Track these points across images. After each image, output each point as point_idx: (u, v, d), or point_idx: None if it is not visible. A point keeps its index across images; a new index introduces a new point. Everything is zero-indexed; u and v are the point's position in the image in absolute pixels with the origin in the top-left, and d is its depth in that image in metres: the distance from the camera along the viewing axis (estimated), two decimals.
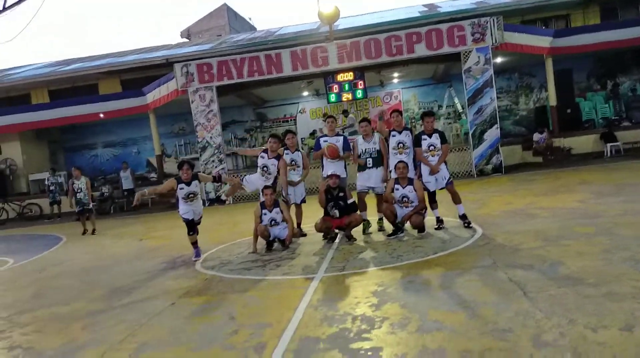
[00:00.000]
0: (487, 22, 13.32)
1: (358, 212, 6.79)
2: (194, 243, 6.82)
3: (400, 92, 18.01)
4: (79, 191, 10.82)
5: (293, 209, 7.32)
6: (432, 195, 6.86)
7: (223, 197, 13.65)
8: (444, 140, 6.82)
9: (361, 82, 14.15)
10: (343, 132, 13.54)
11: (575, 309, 3.35)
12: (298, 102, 18.47)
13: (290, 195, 7.22)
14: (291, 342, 3.39)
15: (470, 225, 6.57)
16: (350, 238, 6.65)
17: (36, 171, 17.86)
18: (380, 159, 7.00)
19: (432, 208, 6.88)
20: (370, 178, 7.03)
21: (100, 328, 4.22)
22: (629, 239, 4.97)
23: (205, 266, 6.19)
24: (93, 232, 10.88)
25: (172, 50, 19.89)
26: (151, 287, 5.48)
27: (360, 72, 14.13)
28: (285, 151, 7.34)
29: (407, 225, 6.71)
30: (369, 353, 3.08)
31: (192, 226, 6.75)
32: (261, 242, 6.72)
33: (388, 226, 6.83)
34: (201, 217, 6.97)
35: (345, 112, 16.42)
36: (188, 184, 6.57)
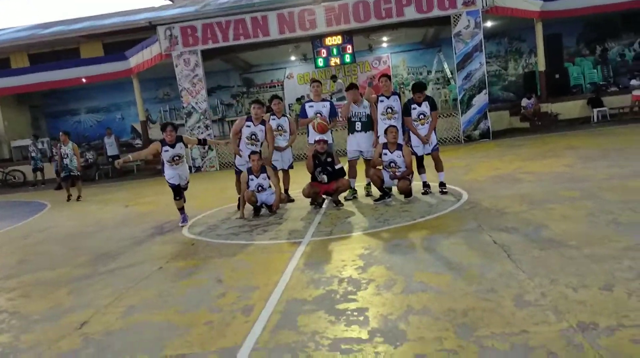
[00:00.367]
0: None
1: (346, 177, 6.78)
2: (181, 209, 6.79)
3: (389, 57, 17.79)
4: (65, 156, 10.67)
5: (281, 174, 7.29)
6: (419, 159, 6.89)
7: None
8: (433, 107, 6.76)
9: (349, 46, 13.89)
10: (331, 97, 13.39)
11: (558, 270, 3.41)
12: (285, 67, 18.17)
13: (278, 161, 7.17)
14: (278, 303, 3.42)
15: (446, 192, 6.61)
16: (337, 203, 6.66)
17: (18, 137, 17.55)
18: (370, 123, 6.93)
19: (420, 173, 6.91)
20: (359, 143, 6.99)
21: (86, 292, 4.21)
22: (612, 203, 5.03)
23: (193, 232, 6.18)
24: (78, 198, 10.77)
25: (156, 12, 19.23)
26: (138, 252, 5.46)
27: (348, 36, 13.85)
28: (272, 117, 7.22)
29: (395, 189, 6.73)
30: (355, 313, 3.12)
31: (178, 191, 6.71)
32: (248, 208, 6.71)
33: (375, 192, 6.85)
34: (188, 182, 6.92)
35: (334, 78, 16.18)
36: (172, 146, 6.47)
